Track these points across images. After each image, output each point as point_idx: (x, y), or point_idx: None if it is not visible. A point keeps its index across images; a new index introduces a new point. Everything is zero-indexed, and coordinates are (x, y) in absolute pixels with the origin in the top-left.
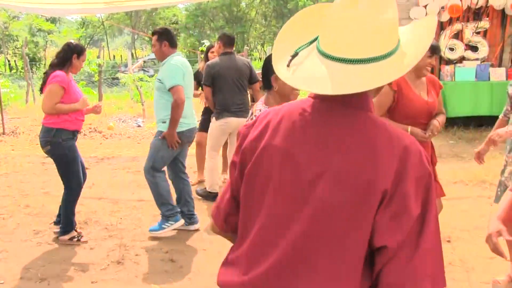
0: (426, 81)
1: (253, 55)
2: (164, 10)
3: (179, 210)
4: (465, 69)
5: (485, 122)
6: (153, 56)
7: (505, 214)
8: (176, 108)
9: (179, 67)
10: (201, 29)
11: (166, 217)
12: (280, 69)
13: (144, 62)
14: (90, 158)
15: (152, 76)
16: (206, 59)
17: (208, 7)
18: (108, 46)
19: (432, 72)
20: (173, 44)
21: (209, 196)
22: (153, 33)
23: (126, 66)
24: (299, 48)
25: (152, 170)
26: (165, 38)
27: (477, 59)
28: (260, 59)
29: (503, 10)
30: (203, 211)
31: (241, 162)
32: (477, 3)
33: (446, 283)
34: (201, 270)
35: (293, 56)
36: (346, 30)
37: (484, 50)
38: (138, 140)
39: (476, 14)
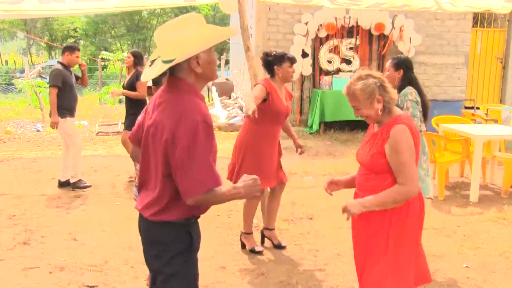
0: (285, 90)
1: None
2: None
3: None
4: (341, 79)
5: (359, 125)
6: (50, 63)
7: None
8: None
9: None
10: (102, 37)
11: None
12: (145, 70)
13: (42, 68)
14: None
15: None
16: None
17: (109, 15)
18: None
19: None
20: None
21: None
22: None
23: (21, 72)
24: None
25: None
26: None
27: (350, 71)
28: None
29: (369, 30)
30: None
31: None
32: (349, 23)
33: (218, 183)
34: (101, 245)
35: (152, 62)
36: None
37: (356, 63)
38: (38, 144)
39: (349, 32)
